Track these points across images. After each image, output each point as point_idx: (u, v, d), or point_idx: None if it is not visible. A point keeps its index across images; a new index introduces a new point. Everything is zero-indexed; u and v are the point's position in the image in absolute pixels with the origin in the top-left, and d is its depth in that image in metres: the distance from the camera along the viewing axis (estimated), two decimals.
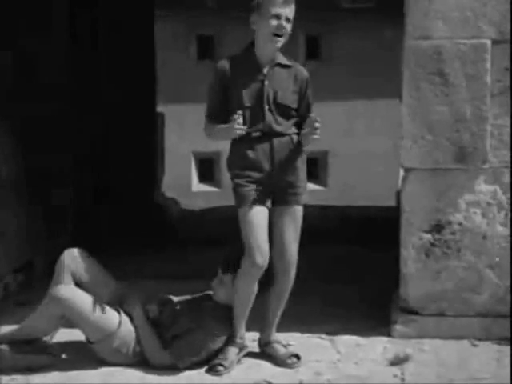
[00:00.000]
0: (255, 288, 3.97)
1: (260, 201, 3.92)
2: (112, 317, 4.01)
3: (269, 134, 3.95)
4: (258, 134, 3.94)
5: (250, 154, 3.94)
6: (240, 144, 3.95)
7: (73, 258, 4.14)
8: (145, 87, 7.86)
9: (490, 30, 4.29)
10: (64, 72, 6.17)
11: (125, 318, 4.04)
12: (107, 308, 4.01)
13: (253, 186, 3.93)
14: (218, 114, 3.96)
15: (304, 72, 4.07)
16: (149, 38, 8.14)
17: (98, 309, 3.97)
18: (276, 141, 3.96)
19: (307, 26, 12.88)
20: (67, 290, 3.99)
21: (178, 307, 4.14)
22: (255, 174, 3.94)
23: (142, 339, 4.02)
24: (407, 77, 4.36)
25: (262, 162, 3.95)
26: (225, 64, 3.96)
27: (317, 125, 3.89)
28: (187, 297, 4.24)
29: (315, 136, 3.93)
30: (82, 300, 3.97)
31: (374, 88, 12.82)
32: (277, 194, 3.98)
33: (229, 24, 12.94)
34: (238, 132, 3.85)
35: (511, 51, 4.30)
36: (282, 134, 3.97)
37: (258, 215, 3.91)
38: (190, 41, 13.44)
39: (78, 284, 4.11)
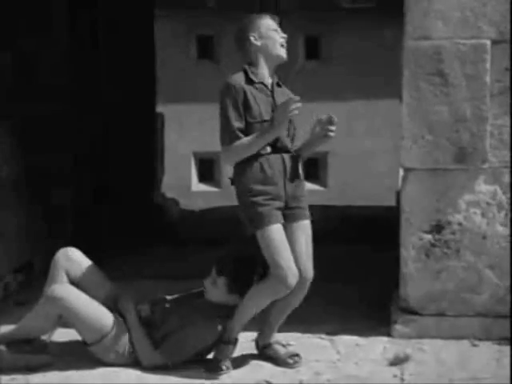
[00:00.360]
0: None
1: (279, 218, 3.90)
2: (107, 317, 4.00)
3: (279, 149, 3.95)
4: (268, 150, 3.94)
5: (268, 169, 3.91)
6: (253, 161, 3.90)
7: (67, 258, 4.14)
8: (145, 87, 7.87)
9: (489, 30, 4.29)
10: (64, 72, 6.17)
11: (119, 319, 4.04)
12: (102, 308, 4.02)
13: (273, 204, 3.89)
14: (243, 131, 3.89)
15: (291, 93, 4.08)
16: (149, 38, 8.14)
17: (93, 308, 3.97)
18: (286, 156, 3.98)
19: (307, 25, 12.88)
20: (63, 289, 3.99)
21: (169, 306, 4.13)
22: (273, 190, 3.91)
23: (133, 340, 4.01)
24: (407, 77, 4.37)
25: (278, 177, 3.93)
26: (240, 81, 3.92)
27: (336, 120, 3.95)
28: (179, 295, 4.23)
29: (331, 134, 3.97)
30: (78, 299, 3.97)
31: (373, 88, 12.82)
32: (286, 209, 3.96)
33: (229, 24, 12.93)
34: (295, 112, 3.81)
35: (511, 51, 4.30)
36: (287, 150, 3.99)
37: (281, 233, 3.88)
38: (190, 41, 13.44)
39: (73, 284, 4.11)
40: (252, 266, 4.02)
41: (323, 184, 13.56)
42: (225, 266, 4.04)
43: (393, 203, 8.00)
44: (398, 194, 5.40)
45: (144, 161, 7.82)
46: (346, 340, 4.41)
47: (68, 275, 4.11)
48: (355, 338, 4.43)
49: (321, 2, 12.80)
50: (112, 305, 4.08)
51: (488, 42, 4.29)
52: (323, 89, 12.76)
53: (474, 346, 4.32)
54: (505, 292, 4.38)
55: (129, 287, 4.41)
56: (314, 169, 13.40)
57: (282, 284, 3.84)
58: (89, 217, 6.71)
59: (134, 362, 4.02)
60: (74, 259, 4.14)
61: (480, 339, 4.36)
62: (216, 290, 4.06)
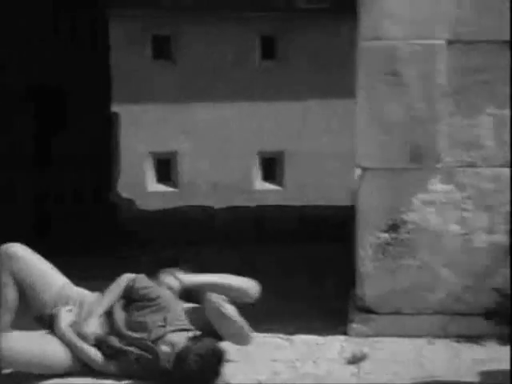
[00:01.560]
0: None
1: None
2: (57, 354, 3.85)
3: None
4: None
5: None
6: None
7: (9, 255, 3.90)
8: (100, 87, 7.80)
9: (443, 30, 4.33)
10: None
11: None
12: (50, 348, 3.85)
13: None
14: None
15: None
16: (103, 38, 8.08)
17: (43, 360, 3.81)
18: None
19: (263, 26, 12.88)
20: (11, 343, 3.77)
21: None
22: None
23: (72, 350, 3.88)
24: (361, 77, 4.39)
25: None
26: None
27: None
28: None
29: None
30: (25, 352, 3.77)
31: (329, 88, 12.87)
32: None
33: (185, 24, 12.89)
34: None
35: (511, 52, 4.31)
36: None
37: None
38: (146, 40, 13.38)
39: (19, 283, 3.93)
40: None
41: (280, 184, 13.58)
42: (180, 366, 3.74)
43: (349, 203, 8.04)
44: (355, 194, 5.43)
45: (100, 161, 7.76)
46: (305, 339, 4.42)
47: (12, 274, 3.88)
48: (313, 337, 4.44)
49: (276, 2, 12.83)
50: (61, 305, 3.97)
51: (442, 42, 4.33)
52: (280, 88, 12.78)
53: (431, 343, 4.36)
54: (461, 290, 4.42)
55: (84, 288, 4.34)
56: (271, 169, 13.43)
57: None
58: (46, 219, 6.65)
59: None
60: (18, 256, 3.91)
61: (436, 337, 4.39)
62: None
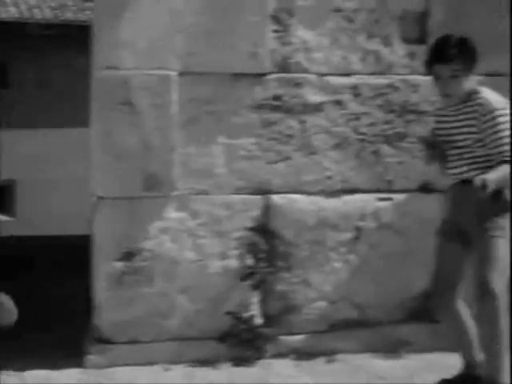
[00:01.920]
0: None
1: None
2: None
3: None
4: None
5: None
6: None
7: None
8: None
9: (175, 62, 4.42)
10: None
11: None
12: None
13: None
14: None
15: None
16: None
17: None
18: None
19: None
20: None
21: None
22: None
23: None
24: (96, 106, 4.38)
25: None
26: None
27: None
28: None
29: None
30: None
31: (65, 116, 12.72)
32: None
33: None
34: None
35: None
36: None
37: None
38: None
39: None
40: None
41: (12, 214, 13.17)
42: None
43: (87, 232, 7.95)
44: (91, 223, 5.38)
45: None
46: (37, 374, 4.28)
47: None
48: (46, 371, 4.31)
49: (6, 27, 12.49)
50: None
51: (173, 74, 4.41)
52: (13, 117, 12.44)
53: (166, 370, 4.39)
54: (195, 315, 4.50)
55: None
56: (1, 198, 13.00)
57: None
58: None
59: None
60: None
61: (173, 363, 4.44)
62: None
